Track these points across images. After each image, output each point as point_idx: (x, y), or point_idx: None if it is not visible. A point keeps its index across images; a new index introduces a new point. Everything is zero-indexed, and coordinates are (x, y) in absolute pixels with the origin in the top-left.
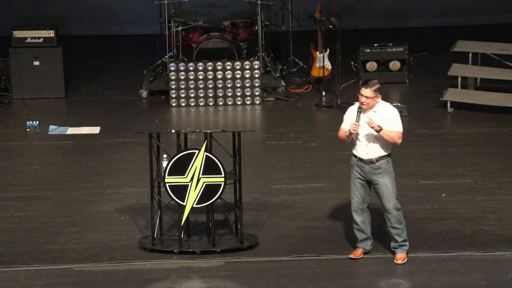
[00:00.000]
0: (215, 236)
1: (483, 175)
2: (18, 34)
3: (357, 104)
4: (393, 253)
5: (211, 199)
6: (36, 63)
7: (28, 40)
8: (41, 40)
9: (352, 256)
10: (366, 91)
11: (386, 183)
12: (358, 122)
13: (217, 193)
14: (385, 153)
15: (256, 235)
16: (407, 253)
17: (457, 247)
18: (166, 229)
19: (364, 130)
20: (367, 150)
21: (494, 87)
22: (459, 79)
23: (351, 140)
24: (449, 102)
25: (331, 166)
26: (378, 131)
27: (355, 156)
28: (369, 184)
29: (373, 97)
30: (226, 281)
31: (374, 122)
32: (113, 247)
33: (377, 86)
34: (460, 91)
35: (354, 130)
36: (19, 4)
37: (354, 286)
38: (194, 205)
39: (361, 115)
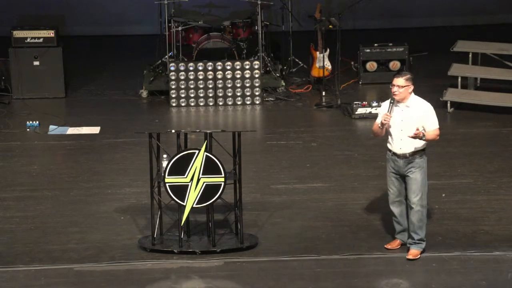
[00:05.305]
0: (215, 236)
1: (483, 175)
2: (18, 34)
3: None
4: (408, 249)
5: (211, 199)
6: (36, 63)
7: (28, 40)
8: (41, 40)
9: (389, 246)
10: (398, 80)
11: (416, 177)
12: (390, 114)
13: (217, 193)
14: (419, 148)
15: (256, 235)
16: (421, 252)
17: (457, 247)
18: (166, 229)
19: (397, 125)
20: (400, 145)
21: (494, 87)
22: (459, 79)
23: (385, 134)
24: (449, 102)
25: (331, 166)
26: (422, 138)
27: (390, 151)
28: (403, 178)
29: (404, 86)
30: (226, 281)
31: (417, 133)
32: (113, 247)
33: (409, 75)
34: (460, 91)
35: (385, 120)
36: (19, 4)
37: (354, 286)
38: (194, 205)
39: (394, 107)
